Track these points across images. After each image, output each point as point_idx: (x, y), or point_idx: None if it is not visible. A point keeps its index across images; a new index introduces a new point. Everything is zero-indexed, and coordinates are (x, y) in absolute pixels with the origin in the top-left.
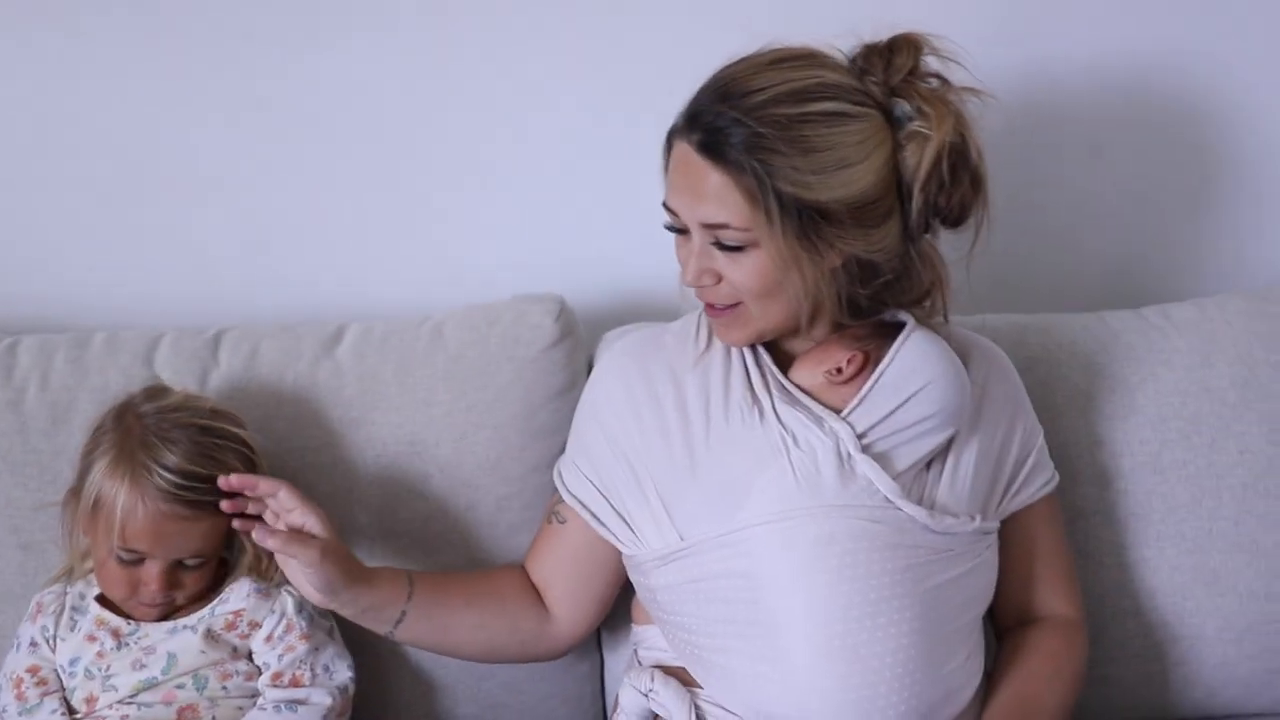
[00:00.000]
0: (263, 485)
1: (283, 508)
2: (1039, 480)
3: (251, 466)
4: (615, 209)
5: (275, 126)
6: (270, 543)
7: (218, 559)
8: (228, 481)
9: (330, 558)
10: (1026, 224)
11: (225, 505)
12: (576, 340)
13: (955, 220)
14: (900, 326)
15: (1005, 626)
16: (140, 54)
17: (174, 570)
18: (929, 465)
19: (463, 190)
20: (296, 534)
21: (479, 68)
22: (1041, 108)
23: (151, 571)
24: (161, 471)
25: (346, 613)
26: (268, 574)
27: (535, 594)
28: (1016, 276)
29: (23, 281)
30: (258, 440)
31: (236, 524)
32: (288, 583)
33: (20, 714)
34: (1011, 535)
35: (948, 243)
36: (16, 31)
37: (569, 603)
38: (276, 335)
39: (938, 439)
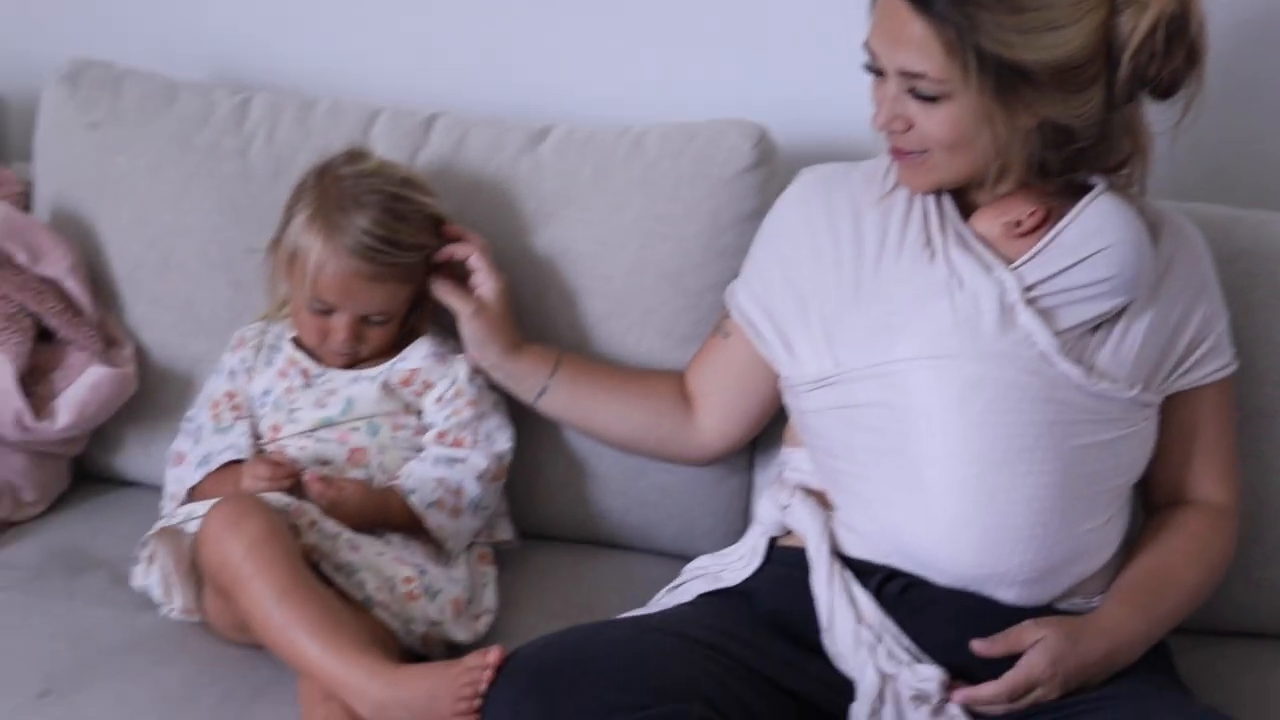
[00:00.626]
0: (459, 250)
1: (470, 267)
2: (1212, 364)
3: (439, 235)
4: (832, 49)
5: None
6: (441, 292)
7: (401, 321)
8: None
9: (482, 317)
10: (1248, 116)
11: (439, 254)
12: (772, 169)
13: (1164, 92)
14: (1087, 190)
15: (1155, 504)
16: None
17: (359, 324)
18: (1096, 329)
19: (680, 14)
20: (461, 287)
21: None
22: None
23: (340, 322)
24: (352, 231)
25: (496, 375)
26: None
27: (683, 398)
28: (1234, 169)
29: (260, 45)
30: (446, 210)
31: (438, 256)
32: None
33: (214, 433)
34: (1175, 414)
35: (1156, 114)
36: None
37: (718, 413)
38: (485, 125)
39: (1109, 304)
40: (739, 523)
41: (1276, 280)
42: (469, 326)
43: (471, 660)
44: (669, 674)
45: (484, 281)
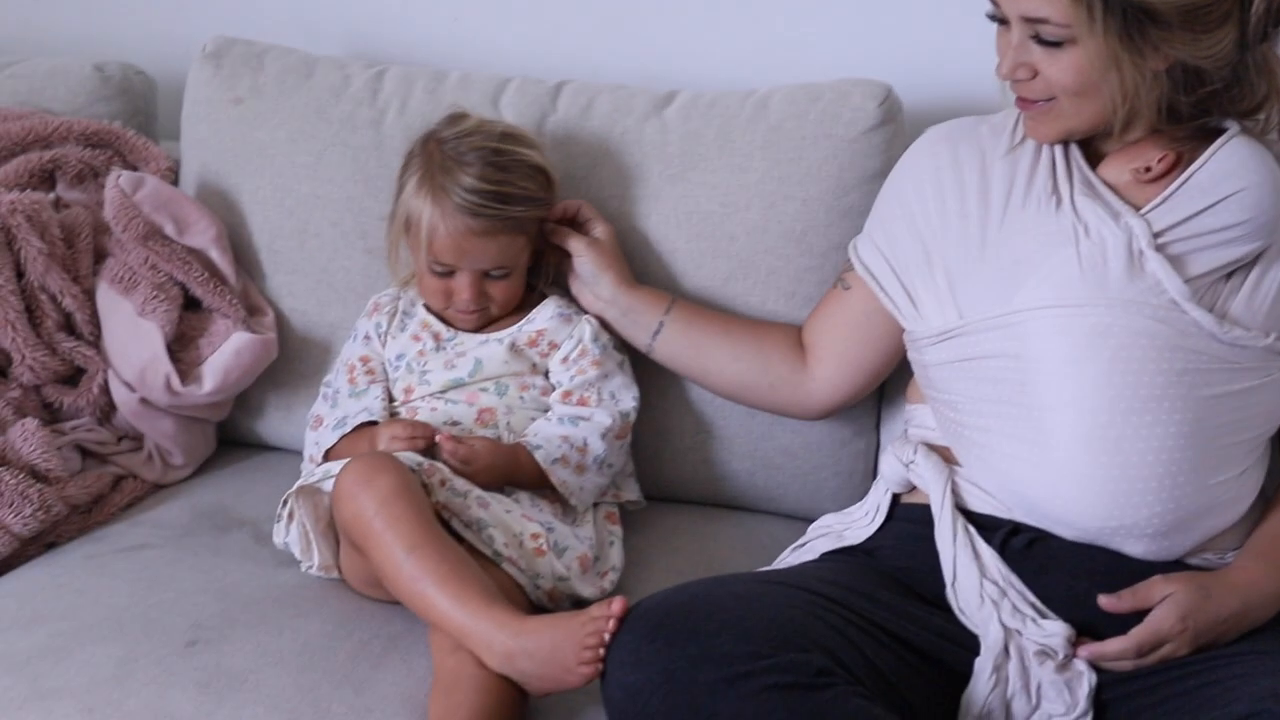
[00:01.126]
0: (569, 205)
1: (581, 217)
2: None
3: (545, 184)
4: (956, 5)
5: None
6: (551, 233)
7: (523, 273)
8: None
9: (595, 249)
10: None
11: (550, 216)
12: (897, 128)
13: None
14: (1219, 134)
15: None
16: None
17: (481, 280)
18: (1230, 275)
19: None
20: (574, 230)
21: None
22: None
23: (462, 282)
24: (458, 190)
25: (610, 314)
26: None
27: (798, 349)
28: None
29: (393, 20)
30: (548, 160)
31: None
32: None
33: (350, 396)
34: None
35: None
36: None
37: (832, 364)
38: (612, 91)
39: (1244, 249)
40: (864, 485)
41: None
42: (584, 259)
43: (596, 610)
44: (791, 625)
45: (595, 225)
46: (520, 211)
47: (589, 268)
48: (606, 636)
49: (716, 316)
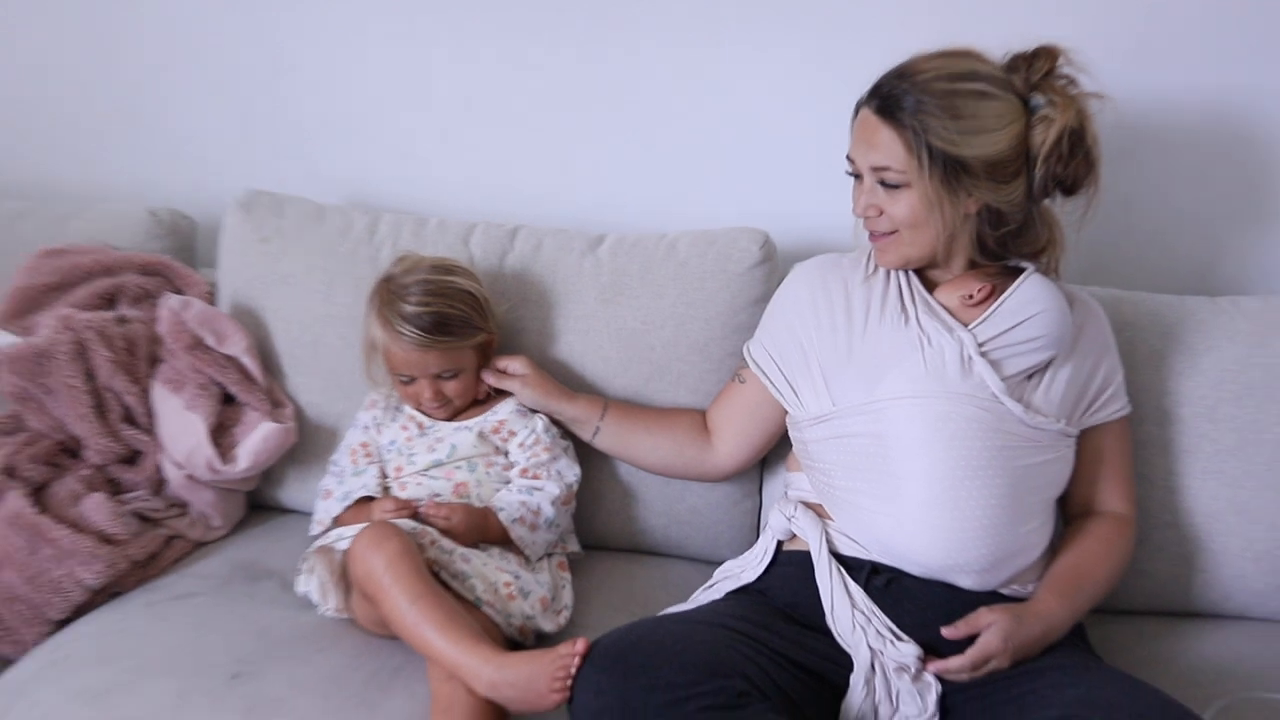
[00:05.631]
0: (498, 363)
1: (503, 363)
2: (1114, 406)
3: (472, 303)
4: (812, 177)
5: (581, 101)
6: (488, 378)
7: (474, 371)
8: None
9: (530, 384)
10: (1128, 220)
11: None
12: (774, 265)
13: (1070, 189)
14: (1021, 272)
15: (1072, 514)
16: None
17: (436, 382)
18: (1030, 377)
19: (699, 149)
20: (503, 374)
21: (725, 67)
22: (1156, 126)
23: (422, 385)
24: (398, 319)
25: (560, 419)
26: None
27: (703, 431)
28: (1116, 261)
29: (384, 176)
30: (475, 280)
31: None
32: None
33: (353, 474)
34: (1088, 444)
35: (1064, 216)
36: None
37: (732, 441)
38: (556, 234)
39: (1040, 357)
40: (751, 534)
41: (1150, 344)
42: (524, 394)
43: (563, 649)
44: (715, 657)
45: (510, 361)
46: (455, 326)
47: (532, 399)
48: (573, 670)
49: (640, 416)
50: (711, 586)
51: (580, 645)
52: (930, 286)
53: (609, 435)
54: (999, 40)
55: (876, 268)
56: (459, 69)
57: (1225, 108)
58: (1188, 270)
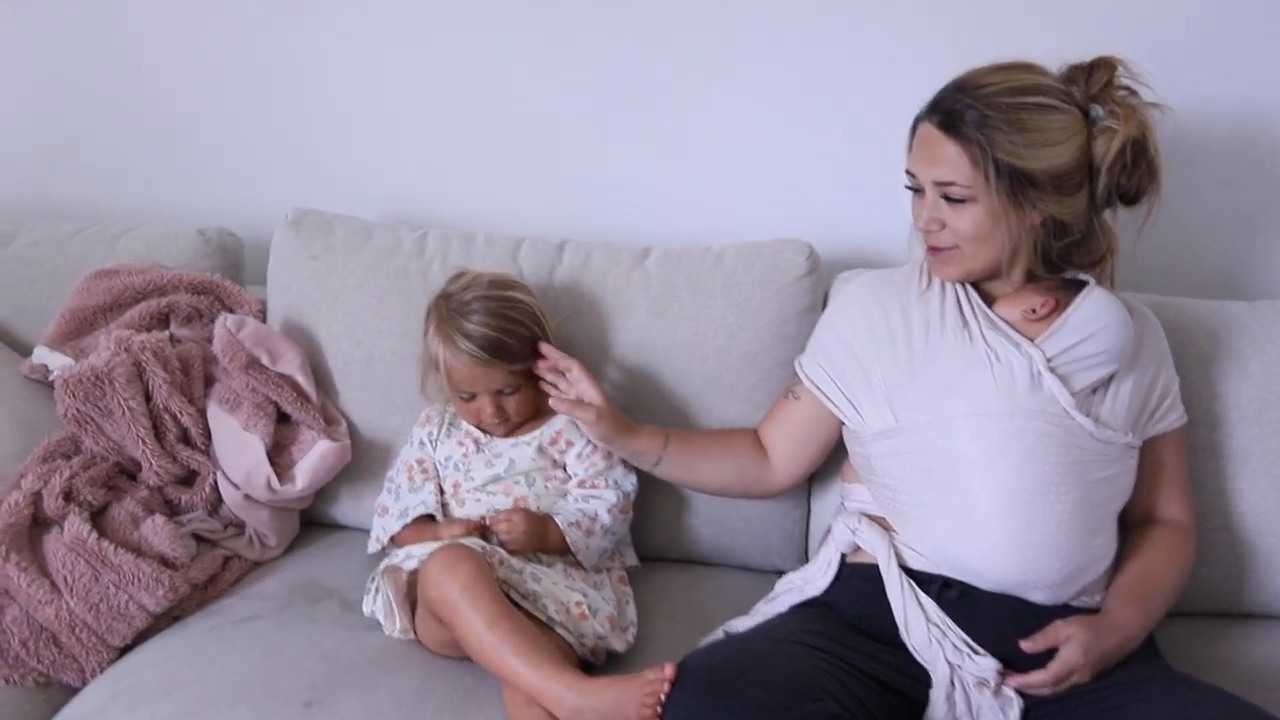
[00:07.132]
0: (561, 362)
1: (573, 380)
2: (1173, 416)
3: (537, 321)
4: (856, 184)
5: (624, 109)
6: (560, 408)
7: (533, 386)
8: (546, 351)
9: (603, 419)
10: (1166, 230)
11: (538, 367)
12: (819, 276)
13: (1132, 199)
14: (1081, 284)
15: (1133, 524)
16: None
17: (497, 398)
18: (1095, 391)
19: (749, 162)
20: (579, 402)
21: (772, 74)
22: (1184, 133)
23: (483, 402)
24: (460, 336)
25: (620, 455)
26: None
27: (761, 449)
28: (1156, 267)
29: (432, 193)
30: (533, 294)
31: (543, 386)
32: None
33: (410, 491)
34: (1148, 454)
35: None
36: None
37: (787, 458)
38: (604, 247)
39: (1105, 371)
40: (802, 542)
41: (1199, 348)
42: (594, 430)
43: (650, 674)
44: (801, 678)
45: (587, 390)
46: (517, 342)
47: (601, 436)
48: (663, 696)
49: (700, 443)
50: (774, 599)
51: (670, 671)
52: (988, 299)
53: (671, 464)
54: (1050, 50)
55: (931, 282)
56: (495, 85)
57: (1249, 115)
58: (1213, 276)
